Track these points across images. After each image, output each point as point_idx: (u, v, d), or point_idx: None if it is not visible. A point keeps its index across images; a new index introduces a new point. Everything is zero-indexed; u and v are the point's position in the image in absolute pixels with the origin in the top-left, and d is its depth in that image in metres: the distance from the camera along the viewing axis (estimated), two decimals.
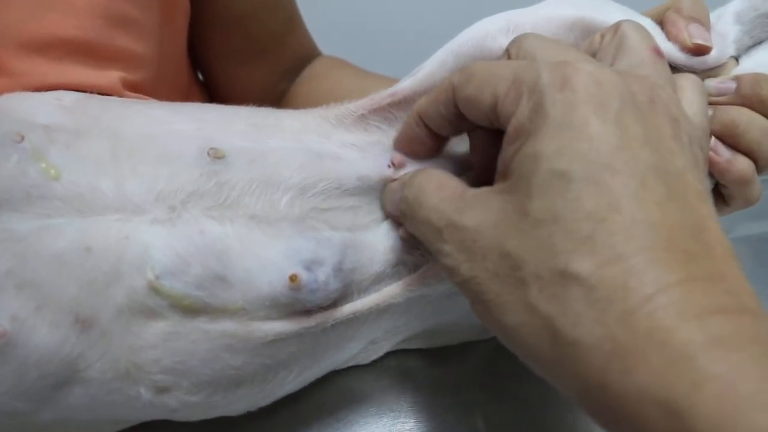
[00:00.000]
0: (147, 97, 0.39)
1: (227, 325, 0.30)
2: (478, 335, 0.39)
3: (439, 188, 0.29)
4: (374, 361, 0.38)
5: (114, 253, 0.28)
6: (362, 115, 0.35)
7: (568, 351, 0.23)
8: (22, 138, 0.29)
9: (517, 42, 0.29)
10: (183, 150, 0.31)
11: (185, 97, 0.50)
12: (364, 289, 0.32)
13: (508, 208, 0.25)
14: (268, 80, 0.58)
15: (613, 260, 0.22)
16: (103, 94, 0.36)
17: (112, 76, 0.38)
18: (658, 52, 0.29)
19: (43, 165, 0.29)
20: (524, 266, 0.24)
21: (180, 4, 0.47)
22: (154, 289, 0.28)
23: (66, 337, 0.28)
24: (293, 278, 0.30)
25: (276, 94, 0.59)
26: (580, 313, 0.22)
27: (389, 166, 0.33)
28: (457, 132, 0.32)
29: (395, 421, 0.36)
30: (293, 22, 0.59)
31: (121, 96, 0.37)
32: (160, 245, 0.29)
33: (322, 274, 0.31)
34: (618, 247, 0.22)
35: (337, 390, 0.37)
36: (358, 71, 0.60)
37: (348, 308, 0.32)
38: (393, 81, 0.53)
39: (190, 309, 0.29)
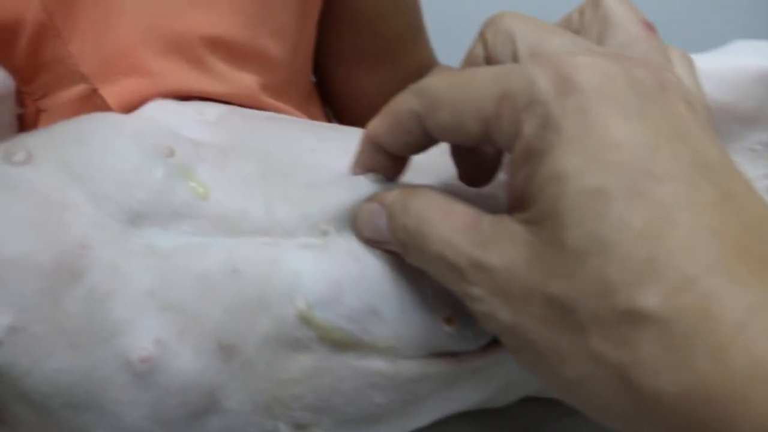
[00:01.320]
0: (282, 104, 0.37)
1: (375, 363, 0.28)
2: None
3: (445, 216, 0.24)
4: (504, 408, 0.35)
5: (263, 278, 0.27)
6: None
7: (650, 405, 0.19)
8: (172, 152, 0.28)
9: (493, 24, 0.25)
10: (337, 169, 0.29)
11: (307, 100, 0.48)
12: None
13: (537, 243, 0.21)
14: (387, 86, 0.56)
15: (683, 286, 0.19)
16: (242, 102, 0.34)
17: (250, 80, 0.36)
18: (649, 27, 0.25)
19: (192, 184, 0.28)
20: (578, 310, 0.20)
21: (315, 1, 0.45)
22: (305, 320, 0.27)
23: (208, 365, 0.26)
24: (450, 321, 0.28)
25: None
26: (658, 358, 0.19)
27: None
28: (426, 148, 0.27)
29: None
30: (419, 28, 0.57)
31: (259, 102, 0.36)
32: (311, 272, 0.27)
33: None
34: (684, 267, 0.19)
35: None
36: None
37: (498, 352, 0.29)
38: None
39: (340, 343, 0.27)
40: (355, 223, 0.28)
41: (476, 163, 0.28)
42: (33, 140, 0.29)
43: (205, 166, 0.28)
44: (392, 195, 0.26)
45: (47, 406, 0.27)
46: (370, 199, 0.28)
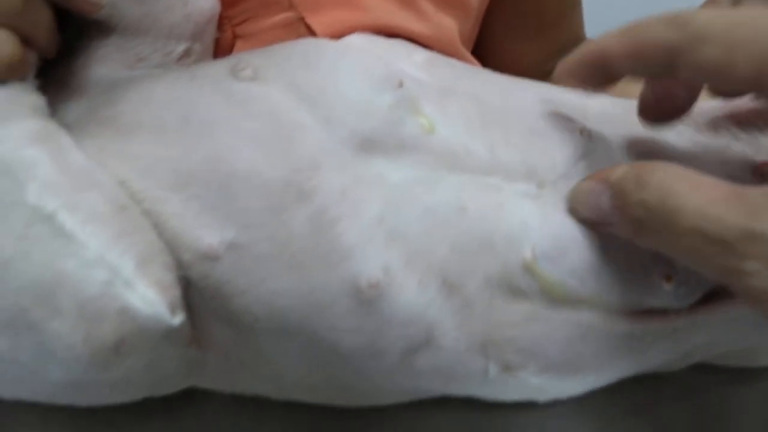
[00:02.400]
0: (471, 57, 0.37)
1: (587, 316, 0.27)
2: None
3: (695, 188, 0.22)
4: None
5: (490, 220, 0.26)
6: (716, 117, 0.32)
7: None
8: (401, 84, 0.27)
9: None
10: (554, 125, 0.28)
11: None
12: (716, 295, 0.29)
13: None
14: (541, 56, 0.55)
15: None
16: (442, 48, 0.34)
17: (451, 24, 0.35)
18: None
19: (420, 118, 0.27)
20: None
21: None
22: (530, 270, 0.26)
23: (432, 300, 0.26)
24: (669, 278, 0.27)
25: (544, 72, 0.57)
26: None
27: (751, 174, 0.30)
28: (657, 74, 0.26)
29: None
30: (576, 1, 0.57)
31: (457, 49, 0.35)
32: (537, 223, 0.26)
33: (693, 277, 0.27)
34: None
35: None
36: None
37: (704, 312, 0.28)
38: None
39: (559, 297, 0.26)
40: (570, 201, 0.27)
41: (666, 98, 0.27)
42: (258, 59, 0.28)
43: (429, 102, 0.28)
44: (619, 171, 0.25)
45: (252, 329, 0.26)
46: (588, 178, 0.26)
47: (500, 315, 0.26)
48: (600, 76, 0.26)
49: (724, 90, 0.25)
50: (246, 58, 0.28)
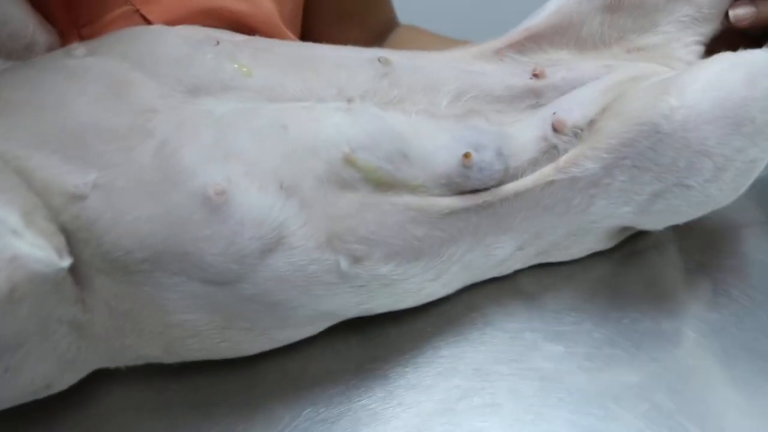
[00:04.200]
0: (292, 35, 0.42)
1: (410, 200, 0.32)
2: (606, 243, 0.41)
3: None
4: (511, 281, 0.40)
5: (309, 131, 0.31)
6: (499, 48, 0.39)
7: None
8: (218, 42, 0.33)
9: None
10: (357, 59, 0.35)
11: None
12: (520, 175, 0.35)
13: None
14: (360, 42, 0.61)
15: None
16: (265, 27, 0.39)
17: (270, 6, 0.41)
18: None
19: (236, 65, 0.32)
20: None
21: None
22: (350, 162, 0.31)
23: (274, 201, 0.30)
24: (467, 155, 0.33)
25: None
26: None
27: (531, 78, 0.37)
28: None
29: (547, 326, 0.38)
30: None
31: (278, 28, 0.41)
32: (350, 126, 0.32)
33: (488, 155, 0.34)
34: None
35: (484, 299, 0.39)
36: (438, 36, 0.63)
37: (510, 187, 0.34)
38: (473, 43, 0.58)
39: (380, 182, 0.32)
40: None
41: None
42: (89, 42, 0.33)
43: (245, 55, 0.33)
44: None
45: (127, 266, 0.29)
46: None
47: (336, 208, 0.31)
48: None
49: None
50: (79, 44, 0.33)
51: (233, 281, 0.30)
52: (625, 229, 0.40)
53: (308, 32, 0.59)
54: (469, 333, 0.38)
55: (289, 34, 0.43)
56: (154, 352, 0.33)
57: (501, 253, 0.37)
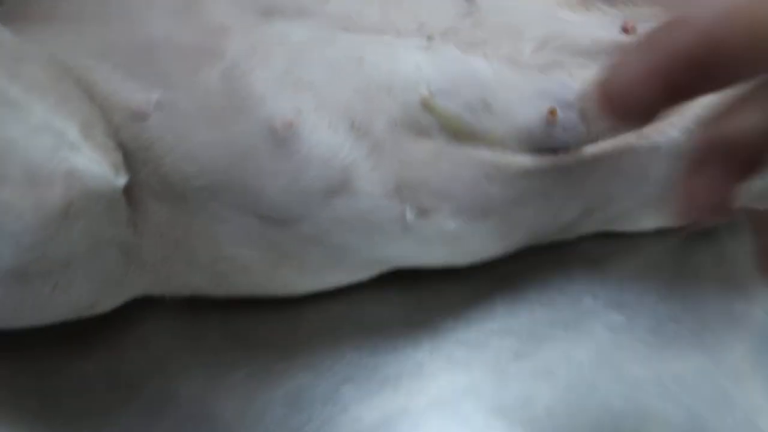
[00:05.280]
0: None
1: (487, 155, 0.30)
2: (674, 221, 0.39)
3: None
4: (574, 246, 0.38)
5: (387, 66, 0.29)
6: None
7: None
8: None
9: None
10: None
11: None
12: (600, 139, 0.33)
13: None
14: None
15: None
16: None
17: None
18: None
19: None
20: None
21: None
22: (428, 107, 0.29)
23: (343, 141, 0.28)
24: (553, 112, 0.30)
25: None
26: None
27: (621, 32, 0.34)
28: None
29: (608, 294, 0.36)
30: None
31: None
32: (430, 67, 0.30)
33: (573, 114, 0.31)
34: None
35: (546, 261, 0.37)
36: None
37: (589, 149, 0.32)
38: None
39: (458, 132, 0.30)
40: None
41: None
42: None
43: None
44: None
45: (184, 192, 0.28)
46: None
47: (408, 155, 0.29)
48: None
49: None
50: None
51: (292, 220, 0.29)
52: None
53: None
54: (527, 292, 0.36)
55: None
56: (201, 282, 0.32)
57: (569, 216, 0.35)
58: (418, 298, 0.35)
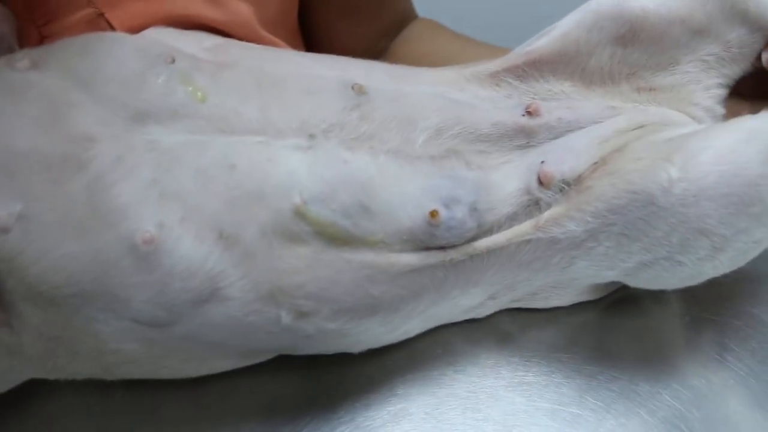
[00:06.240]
0: (275, 38, 0.39)
1: (368, 256, 0.30)
2: (592, 294, 0.38)
3: None
4: (486, 318, 0.37)
5: (259, 174, 0.29)
6: (496, 72, 0.35)
7: None
8: (173, 60, 0.30)
9: None
10: (328, 85, 0.31)
11: (294, 38, 0.49)
12: (496, 230, 0.32)
13: None
14: (369, 37, 0.57)
15: None
16: (239, 33, 0.36)
17: (246, 10, 0.38)
18: None
19: (190, 88, 0.30)
20: None
21: None
22: (300, 214, 0.29)
23: (210, 252, 0.28)
24: (434, 214, 0.30)
25: (376, 52, 0.58)
26: None
27: (523, 115, 0.33)
28: None
29: (513, 373, 0.36)
30: None
31: (255, 32, 0.38)
32: (305, 171, 0.29)
33: (459, 212, 0.31)
34: None
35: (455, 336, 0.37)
36: (456, 35, 0.59)
37: (481, 243, 0.31)
38: (490, 47, 0.53)
39: (334, 237, 0.29)
40: None
41: None
42: (36, 51, 0.30)
43: (202, 75, 0.30)
44: None
45: (54, 299, 0.28)
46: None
47: (282, 262, 0.29)
48: None
49: None
50: (25, 51, 0.30)
51: (164, 324, 0.29)
52: (614, 282, 0.37)
53: (315, 27, 0.56)
54: (429, 372, 0.36)
55: (271, 38, 0.39)
56: (91, 371, 0.32)
57: (469, 303, 0.34)
58: (318, 378, 0.35)
